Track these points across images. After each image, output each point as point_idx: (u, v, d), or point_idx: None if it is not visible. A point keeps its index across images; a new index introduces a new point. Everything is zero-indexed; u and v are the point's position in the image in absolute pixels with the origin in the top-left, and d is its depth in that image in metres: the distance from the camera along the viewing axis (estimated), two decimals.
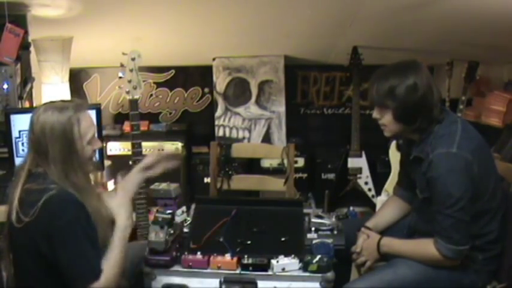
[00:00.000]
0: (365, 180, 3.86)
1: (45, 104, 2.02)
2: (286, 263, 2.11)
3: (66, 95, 3.46)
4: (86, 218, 1.90)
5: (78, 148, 1.94)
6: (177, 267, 2.16)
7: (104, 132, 3.39)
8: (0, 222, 2.29)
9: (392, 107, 2.18)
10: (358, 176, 3.86)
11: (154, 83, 4.32)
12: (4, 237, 2.00)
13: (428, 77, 2.19)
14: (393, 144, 3.45)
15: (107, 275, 1.90)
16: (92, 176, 2.13)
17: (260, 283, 2.10)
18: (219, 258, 2.14)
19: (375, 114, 2.26)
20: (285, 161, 3.12)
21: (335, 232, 2.33)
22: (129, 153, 2.87)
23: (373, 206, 3.71)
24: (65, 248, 1.86)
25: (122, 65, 2.81)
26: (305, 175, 4.14)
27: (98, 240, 1.93)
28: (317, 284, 2.10)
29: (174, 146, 4.01)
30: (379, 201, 3.41)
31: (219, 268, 2.12)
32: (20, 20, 2.96)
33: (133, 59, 2.79)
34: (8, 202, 1.96)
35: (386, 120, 2.23)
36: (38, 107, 2.00)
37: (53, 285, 1.93)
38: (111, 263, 1.93)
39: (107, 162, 3.41)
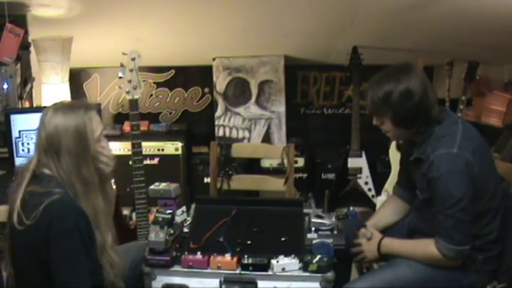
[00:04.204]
0: (365, 180, 3.86)
1: (53, 105, 2.02)
2: (286, 263, 2.11)
3: (66, 95, 3.46)
4: (86, 226, 1.89)
5: (91, 144, 1.96)
6: (177, 267, 2.16)
7: (104, 132, 3.38)
8: (0, 222, 2.29)
9: (390, 114, 2.18)
10: (358, 176, 3.86)
11: (154, 83, 4.32)
12: (5, 237, 1.99)
13: (422, 78, 2.17)
14: (393, 144, 3.45)
15: None
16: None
17: (260, 283, 2.10)
18: (219, 258, 2.14)
19: (375, 121, 2.26)
20: (285, 161, 3.12)
21: (335, 232, 2.32)
22: (129, 153, 2.87)
23: (373, 206, 3.71)
24: (58, 255, 1.85)
25: (122, 65, 2.80)
26: (305, 175, 4.14)
27: (95, 249, 1.92)
28: (317, 284, 2.10)
29: (174, 146, 4.01)
30: (379, 201, 3.41)
31: (219, 268, 2.12)
32: (20, 20, 2.97)
33: (133, 59, 2.79)
34: (9, 202, 1.95)
35: (386, 126, 2.23)
36: (46, 109, 2.00)
37: None
38: None
39: None
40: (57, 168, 1.92)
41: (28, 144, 2.85)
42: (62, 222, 1.85)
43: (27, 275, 1.94)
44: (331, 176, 4.13)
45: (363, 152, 3.86)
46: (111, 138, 3.93)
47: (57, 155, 1.92)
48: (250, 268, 2.11)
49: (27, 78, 3.10)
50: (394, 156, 3.49)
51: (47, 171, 1.93)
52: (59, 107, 1.98)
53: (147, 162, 3.77)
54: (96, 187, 1.97)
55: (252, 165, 3.99)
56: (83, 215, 1.89)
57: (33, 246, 1.87)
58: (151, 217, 2.35)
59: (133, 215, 2.87)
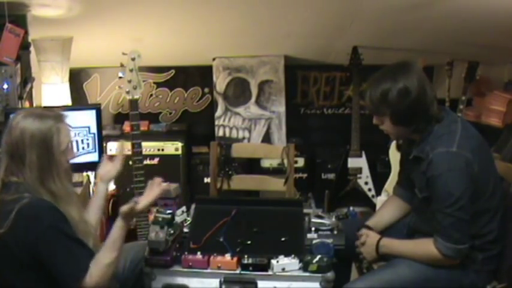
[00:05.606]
0: (365, 180, 3.86)
1: (24, 110, 2.01)
2: (286, 263, 2.11)
3: (66, 95, 3.46)
4: (63, 219, 1.90)
5: (56, 157, 1.95)
6: (177, 267, 2.16)
7: (104, 132, 3.39)
8: None
9: (388, 112, 2.18)
10: (358, 176, 3.86)
11: (154, 83, 4.32)
12: None
13: (419, 76, 2.17)
14: (393, 144, 3.44)
15: (98, 272, 1.88)
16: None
17: (260, 283, 2.10)
18: (219, 258, 2.13)
19: (375, 121, 2.27)
20: (285, 161, 3.12)
21: (335, 232, 2.32)
22: (129, 153, 2.87)
23: (373, 206, 3.72)
24: (52, 252, 1.86)
25: (122, 65, 2.81)
26: (305, 175, 4.14)
27: (80, 238, 1.93)
28: (317, 284, 2.10)
29: (174, 146, 4.01)
30: (379, 201, 3.41)
31: (219, 268, 2.12)
32: (20, 20, 2.97)
33: (133, 59, 2.79)
34: None
35: (386, 125, 2.23)
36: (16, 113, 1.98)
37: None
38: (103, 262, 1.91)
39: None
40: (24, 176, 1.91)
41: None
42: (38, 223, 1.85)
43: (6, 281, 1.93)
44: (331, 176, 4.13)
45: (363, 152, 3.86)
46: (111, 138, 3.96)
47: (22, 162, 1.91)
48: (250, 268, 2.11)
49: (27, 78, 3.10)
50: (394, 156, 3.49)
51: (15, 178, 1.92)
52: (28, 114, 1.96)
53: (147, 162, 3.76)
54: (66, 199, 1.96)
55: (252, 165, 3.99)
56: (56, 210, 1.89)
57: (10, 253, 1.87)
58: (151, 217, 2.35)
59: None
